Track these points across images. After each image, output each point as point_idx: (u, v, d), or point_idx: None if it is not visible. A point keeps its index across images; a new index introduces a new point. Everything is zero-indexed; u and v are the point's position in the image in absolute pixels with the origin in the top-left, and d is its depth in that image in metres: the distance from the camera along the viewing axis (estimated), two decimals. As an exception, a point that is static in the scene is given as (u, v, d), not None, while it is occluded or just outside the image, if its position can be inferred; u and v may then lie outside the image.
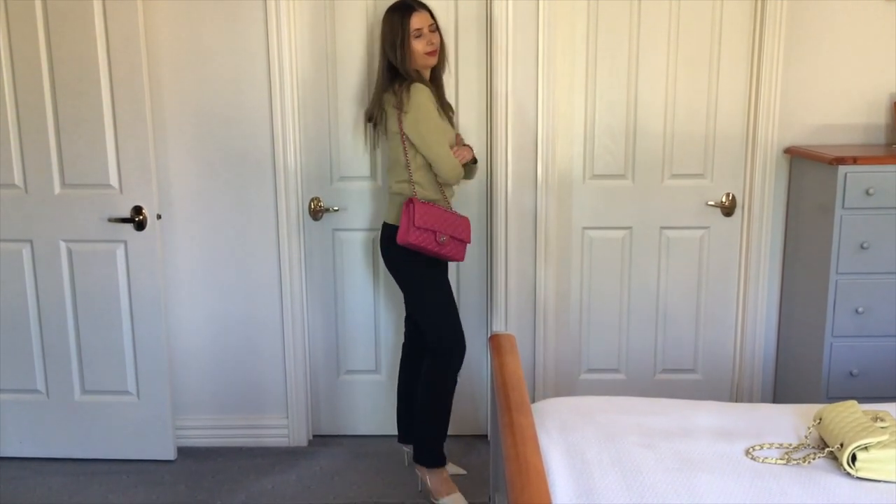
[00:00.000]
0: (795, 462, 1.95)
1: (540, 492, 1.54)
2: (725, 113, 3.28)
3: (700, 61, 3.24)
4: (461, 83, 3.23)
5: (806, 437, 2.06)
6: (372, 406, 3.53)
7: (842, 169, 2.89)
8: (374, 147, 3.26)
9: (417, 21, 2.81)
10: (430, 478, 3.01)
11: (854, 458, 1.88)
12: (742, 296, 3.42)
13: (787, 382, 3.40)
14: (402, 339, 3.22)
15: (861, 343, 3.02)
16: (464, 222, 2.94)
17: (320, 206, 3.34)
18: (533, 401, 2.52)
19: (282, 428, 3.46)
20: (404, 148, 2.86)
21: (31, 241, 3.18)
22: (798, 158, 3.22)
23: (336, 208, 3.35)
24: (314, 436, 3.55)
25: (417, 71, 2.86)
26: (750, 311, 3.40)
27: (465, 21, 3.20)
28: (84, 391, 3.29)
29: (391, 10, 2.86)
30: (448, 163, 2.84)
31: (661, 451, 1.99)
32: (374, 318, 3.46)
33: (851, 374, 3.04)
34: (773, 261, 3.38)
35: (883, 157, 2.92)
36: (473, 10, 3.20)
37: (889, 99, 3.24)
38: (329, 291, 3.44)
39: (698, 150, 3.32)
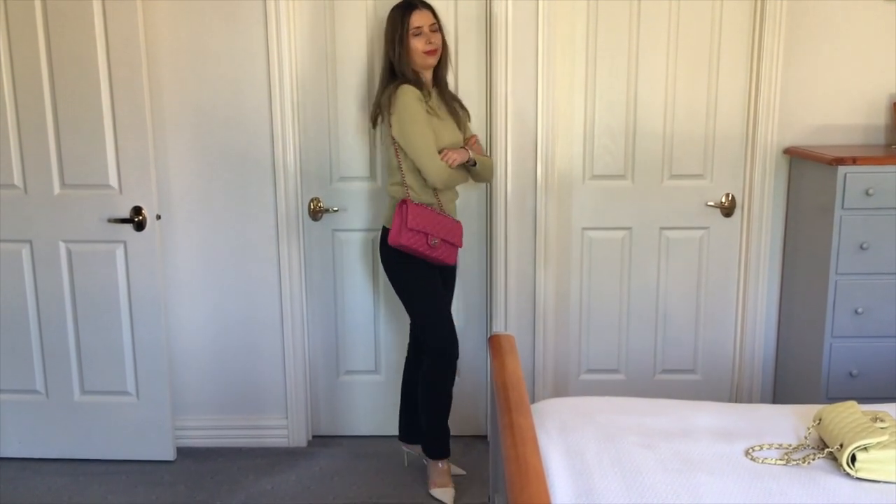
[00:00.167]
0: (795, 462, 1.94)
1: (539, 492, 1.54)
2: (725, 113, 3.28)
3: (700, 62, 3.24)
4: (461, 84, 3.23)
5: (805, 437, 2.06)
6: (371, 406, 3.52)
7: (841, 169, 2.89)
8: (376, 147, 3.27)
9: (418, 19, 2.81)
10: (430, 467, 3.09)
11: (854, 458, 1.88)
12: (742, 296, 3.42)
13: (786, 383, 3.40)
14: (401, 340, 3.22)
15: (861, 343, 3.02)
16: (457, 227, 2.93)
17: (320, 207, 3.34)
18: (533, 401, 2.52)
19: (281, 428, 3.46)
20: (395, 150, 2.87)
21: (30, 242, 3.18)
22: (798, 159, 3.22)
23: (336, 209, 3.35)
24: (314, 436, 3.55)
25: (416, 71, 2.86)
26: (749, 312, 3.40)
27: (465, 21, 3.20)
28: (83, 391, 3.29)
29: (395, 7, 2.86)
30: (432, 166, 2.79)
31: (660, 452, 1.99)
32: (373, 318, 3.46)
33: (851, 374, 3.04)
34: (773, 261, 3.38)
35: (882, 158, 2.92)
36: (473, 11, 3.20)
37: (889, 99, 3.24)
38: (329, 292, 3.44)
39: (698, 151, 3.32)
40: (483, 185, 3.30)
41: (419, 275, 2.91)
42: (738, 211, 3.37)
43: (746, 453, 1.99)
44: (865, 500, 1.79)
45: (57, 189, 3.13)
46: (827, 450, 1.96)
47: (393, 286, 3.01)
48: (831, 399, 2.99)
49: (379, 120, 2.94)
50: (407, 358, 3.19)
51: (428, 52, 2.82)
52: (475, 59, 3.23)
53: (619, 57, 3.25)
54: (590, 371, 3.53)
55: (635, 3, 3.20)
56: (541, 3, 3.14)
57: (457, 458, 3.25)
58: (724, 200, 3.36)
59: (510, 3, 3.14)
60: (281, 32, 3.14)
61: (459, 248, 3.01)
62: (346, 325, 3.46)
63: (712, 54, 3.24)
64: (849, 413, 2.01)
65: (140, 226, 3.10)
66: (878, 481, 1.85)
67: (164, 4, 3.12)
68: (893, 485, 1.84)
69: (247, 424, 3.47)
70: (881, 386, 3.04)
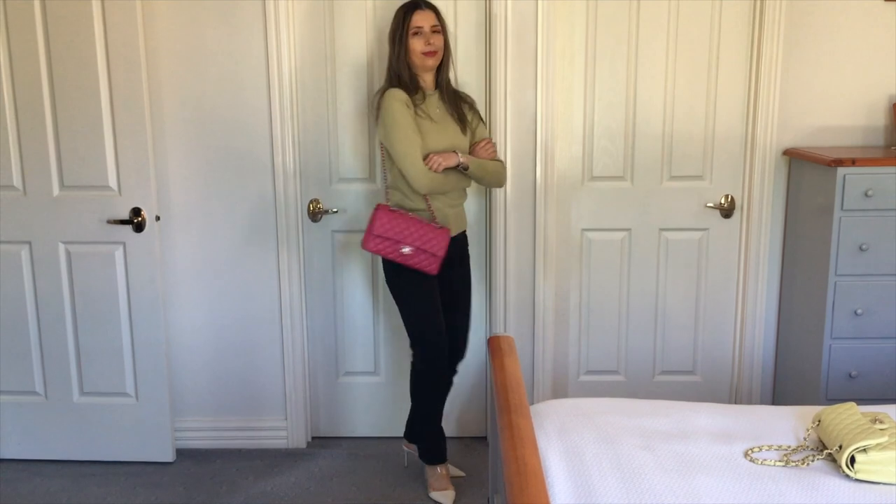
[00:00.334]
0: (794, 464, 1.94)
1: (538, 493, 1.54)
2: (724, 114, 3.29)
3: (699, 63, 3.25)
4: (460, 85, 3.22)
5: (805, 438, 2.06)
6: (371, 408, 3.52)
7: (841, 171, 2.89)
8: (375, 148, 3.27)
9: (419, 19, 2.80)
10: (427, 471, 3.10)
11: (853, 460, 1.88)
12: (741, 297, 3.42)
13: (786, 384, 3.40)
14: (400, 341, 3.22)
15: (860, 345, 3.02)
16: (438, 235, 2.82)
17: (319, 208, 3.34)
18: (532, 402, 2.52)
19: (280, 430, 3.46)
20: (383, 154, 2.89)
21: (29, 243, 3.18)
22: (797, 160, 3.22)
23: (335, 210, 3.35)
24: (313, 437, 3.55)
25: (414, 73, 2.85)
26: (749, 313, 3.40)
27: (465, 22, 3.20)
28: (83, 393, 3.29)
29: (400, 6, 2.85)
30: (412, 171, 2.76)
31: (659, 453, 1.99)
32: (373, 319, 3.46)
33: (850, 375, 3.04)
34: (772, 262, 3.38)
35: (882, 159, 2.92)
36: (473, 11, 3.20)
37: (888, 101, 3.25)
38: (328, 293, 3.44)
39: (697, 152, 3.32)
40: (483, 186, 3.29)
41: (411, 280, 2.89)
42: (737, 212, 3.37)
43: (746, 454, 1.99)
44: (865, 501, 1.79)
45: (56, 190, 3.13)
46: (826, 451, 1.96)
47: (389, 290, 3.02)
48: (831, 400, 2.99)
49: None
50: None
51: (426, 54, 2.80)
52: (475, 60, 3.23)
53: (619, 59, 3.25)
54: (589, 372, 3.53)
55: (634, 4, 3.20)
56: (540, 4, 3.14)
57: (456, 460, 3.25)
58: (723, 202, 3.36)
59: (510, 4, 3.14)
60: (280, 33, 3.14)
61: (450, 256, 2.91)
62: (345, 326, 3.46)
63: (712, 56, 3.24)
64: (848, 414, 2.01)
65: (139, 227, 3.10)
66: (878, 483, 1.85)
67: (164, 6, 3.13)
68: (893, 486, 1.84)
69: (246, 426, 3.46)
70: (880, 387, 3.04)
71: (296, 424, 3.46)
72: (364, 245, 2.83)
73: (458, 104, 2.95)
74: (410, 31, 2.79)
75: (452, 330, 3.02)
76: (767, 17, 3.15)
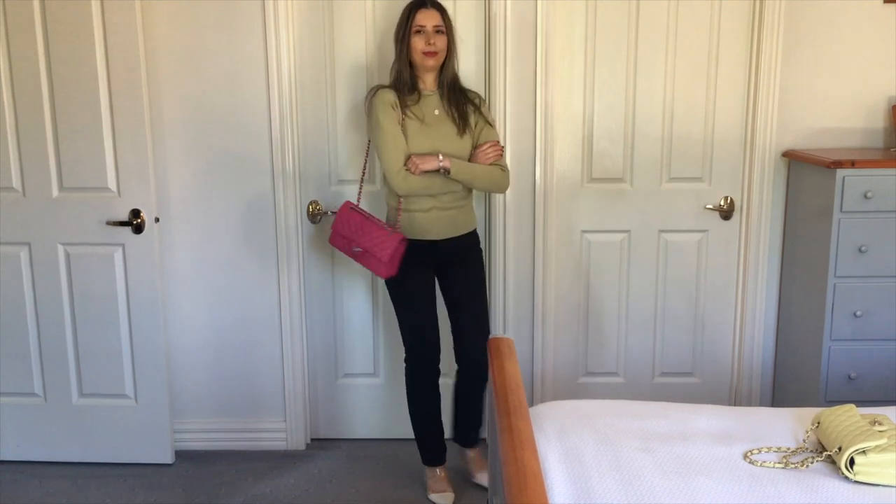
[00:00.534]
0: (793, 466, 1.94)
1: (538, 495, 1.54)
2: (724, 116, 3.29)
3: (698, 65, 3.25)
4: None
5: (804, 440, 2.06)
6: (370, 409, 3.52)
7: (840, 172, 2.89)
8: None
9: (423, 17, 2.78)
10: (426, 473, 3.12)
11: (852, 461, 1.87)
12: (740, 299, 3.42)
13: (785, 386, 3.40)
14: (400, 343, 3.21)
15: (859, 346, 3.02)
16: (386, 240, 2.79)
17: (319, 210, 3.34)
18: (531, 404, 2.52)
19: (280, 431, 3.46)
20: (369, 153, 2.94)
21: (29, 245, 3.18)
22: (796, 162, 3.22)
23: (334, 211, 3.34)
24: (312, 439, 3.54)
25: (415, 74, 2.85)
26: (748, 315, 3.40)
27: (464, 23, 3.20)
28: (82, 395, 3.29)
29: (407, 4, 2.84)
30: (388, 173, 2.79)
31: (659, 455, 1.99)
32: (372, 321, 3.46)
33: (850, 377, 3.04)
34: (772, 264, 3.38)
35: (881, 161, 2.92)
36: (472, 11, 3.20)
37: (887, 102, 3.25)
38: (327, 295, 3.43)
39: (697, 154, 3.32)
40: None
41: (404, 284, 2.92)
42: (736, 214, 3.37)
43: (745, 456, 1.99)
44: (864, 503, 1.79)
45: (55, 192, 3.13)
46: (825, 453, 1.96)
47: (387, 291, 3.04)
48: (830, 402, 2.98)
49: None
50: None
51: (426, 54, 2.79)
52: (474, 61, 3.23)
53: (618, 60, 3.25)
54: (588, 374, 3.53)
55: (634, 6, 3.20)
56: (540, 4, 3.14)
57: (455, 461, 3.25)
58: (722, 203, 3.36)
59: (509, 4, 3.14)
60: (280, 34, 3.14)
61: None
62: (344, 327, 3.46)
63: (711, 57, 3.24)
64: (847, 416, 2.01)
65: (139, 228, 3.10)
66: (877, 485, 1.85)
67: (164, 7, 3.13)
68: (892, 488, 1.84)
69: (245, 427, 3.46)
70: (880, 389, 3.04)
71: (295, 426, 3.45)
72: (329, 239, 2.97)
73: (460, 105, 2.89)
74: (413, 30, 2.78)
75: (457, 331, 3.02)
76: (767, 19, 3.15)
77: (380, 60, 3.20)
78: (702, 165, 3.33)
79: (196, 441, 3.45)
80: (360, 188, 3.06)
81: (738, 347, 3.47)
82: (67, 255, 3.18)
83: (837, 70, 3.22)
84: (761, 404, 3.47)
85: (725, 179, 3.35)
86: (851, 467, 1.87)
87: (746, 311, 3.41)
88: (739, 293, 3.42)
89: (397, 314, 3.01)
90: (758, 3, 3.18)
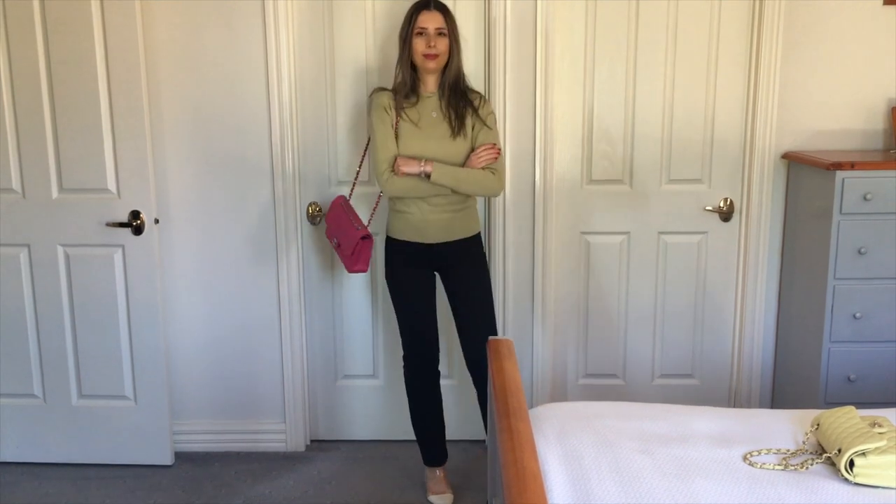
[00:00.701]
0: (793, 468, 1.94)
1: (537, 497, 1.54)
2: (723, 118, 3.29)
3: (698, 66, 3.25)
4: (459, 88, 3.23)
5: (804, 442, 2.06)
6: (370, 411, 3.52)
7: (839, 174, 2.90)
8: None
9: (425, 19, 2.78)
10: (426, 474, 3.13)
11: (852, 463, 1.87)
12: (740, 301, 3.42)
13: (784, 388, 3.40)
14: (399, 344, 3.21)
15: (859, 348, 3.02)
16: (354, 237, 2.82)
17: (318, 211, 3.34)
18: (531, 406, 2.52)
19: (279, 433, 3.46)
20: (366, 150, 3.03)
21: (28, 246, 3.18)
22: (796, 164, 3.23)
23: (334, 213, 3.35)
24: (311, 441, 3.54)
25: (416, 75, 2.85)
26: (748, 316, 3.40)
27: (464, 23, 3.19)
28: (81, 396, 3.29)
29: (411, 5, 2.84)
30: (376, 172, 2.82)
31: (658, 457, 1.98)
32: (371, 322, 3.46)
33: (849, 379, 3.04)
34: (771, 266, 3.38)
35: (881, 163, 2.92)
36: (472, 13, 3.20)
37: (887, 104, 3.25)
38: (327, 296, 3.43)
39: (696, 156, 3.32)
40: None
41: (400, 284, 2.95)
42: (736, 215, 3.37)
43: (744, 458, 1.99)
44: (863, 505, 1.79)
45: (55, 193, 3.13)
46: (825, 455, 1.96)
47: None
48: (829, 404, 2.98)
49: None
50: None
51: (427, 56, 2.77)
52: (473, 62, 3.23)
53: (618, 61, 3.25)
54: (588, 376, 3.52)
55: (634, 7, 3.21)
56: (539, 5, 3.14)
57: (455, 463, 3.25)
58: (722, 205, 3.36)
59: (509, 5, 3.14)
60: (280, 36, 3.14)
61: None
62: (344, 329, 3.46)
63: (710, 59, 3.24)
64: (847, 418, 2.01)
65: (138, 230, 3.10)
66: (876, 487, 1.85)
67: (163, 8, 3.13)
68: (891, 490, 1.84)
69: (245, 429, 3.46)
70: (879, 391, 3.04)
71: (294, 427, 3.45)
72: (325, 232, 3.10)
73: (458, 108, 2.84)
74: (415, 31, 2.78)
75: (459, 333, 3.01)
76: (766, 21, 3.15)
77: (380, 61, 3.20)
78: (701, 167, 3.33)
79: (195, 442, 3.45)
80: (353, 185, 3.15)
81: (737, 349, 3.47)
82: (67, 257, 3.18)
83: (837, 71, 3.22)
84: (761, 406, 3.47)
85: (725, 181, 3.35)
86: (851, 469, 1.87)
87: (746, 313, 3.41)
88: (739, 295, 3.42)
89: (396, 314, 3.02)
90: (757, 3, 3.18)
